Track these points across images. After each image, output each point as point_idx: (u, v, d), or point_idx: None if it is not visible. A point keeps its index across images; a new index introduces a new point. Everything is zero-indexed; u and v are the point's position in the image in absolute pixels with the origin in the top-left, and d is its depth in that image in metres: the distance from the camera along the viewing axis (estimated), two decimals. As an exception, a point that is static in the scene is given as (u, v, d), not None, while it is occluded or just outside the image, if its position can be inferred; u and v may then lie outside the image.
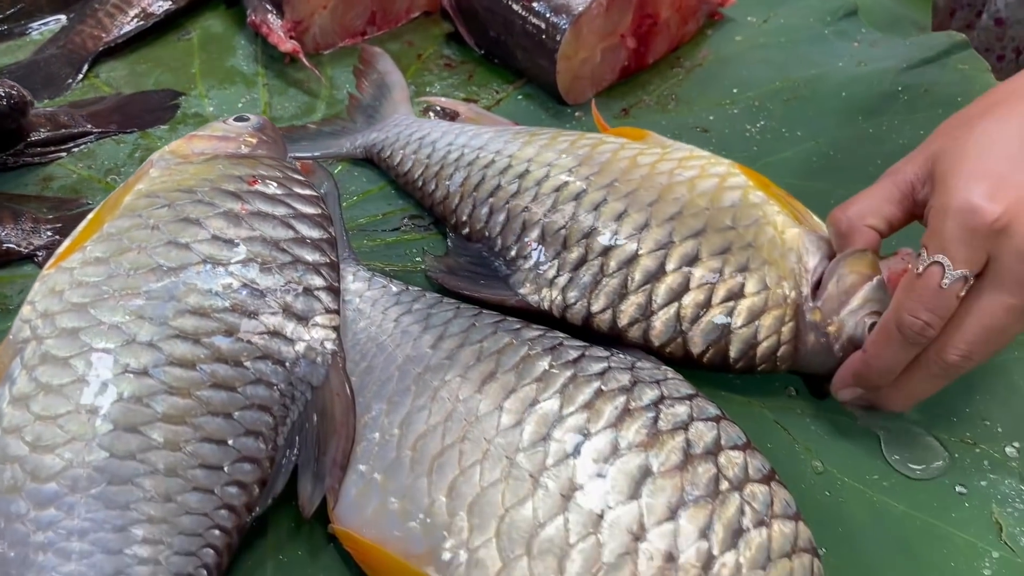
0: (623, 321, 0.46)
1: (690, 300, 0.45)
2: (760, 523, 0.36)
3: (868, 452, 0.45)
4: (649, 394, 0.41)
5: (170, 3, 0.70)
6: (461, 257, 0.51)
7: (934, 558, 0.41)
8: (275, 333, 0.43)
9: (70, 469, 0.37)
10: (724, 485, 0.37)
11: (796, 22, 0.73)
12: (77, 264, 0.45)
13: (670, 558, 0.35)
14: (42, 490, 0.37)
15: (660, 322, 0.46)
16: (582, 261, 0.47)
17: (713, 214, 0.47)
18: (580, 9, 0.60)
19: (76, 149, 0.60)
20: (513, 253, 0.49)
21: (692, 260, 0.46)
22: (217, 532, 0.38)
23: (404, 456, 0.41)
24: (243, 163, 0.50)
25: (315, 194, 0.50)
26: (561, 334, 0.45)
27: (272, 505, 0.40)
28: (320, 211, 0.49)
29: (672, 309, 0.45)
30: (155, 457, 0.38)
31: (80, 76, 0.66)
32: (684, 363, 0.46)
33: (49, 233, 0.55)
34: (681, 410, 0.41)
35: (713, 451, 0.38)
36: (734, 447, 0.39)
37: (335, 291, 0.46)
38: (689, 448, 0.38)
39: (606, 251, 0.47)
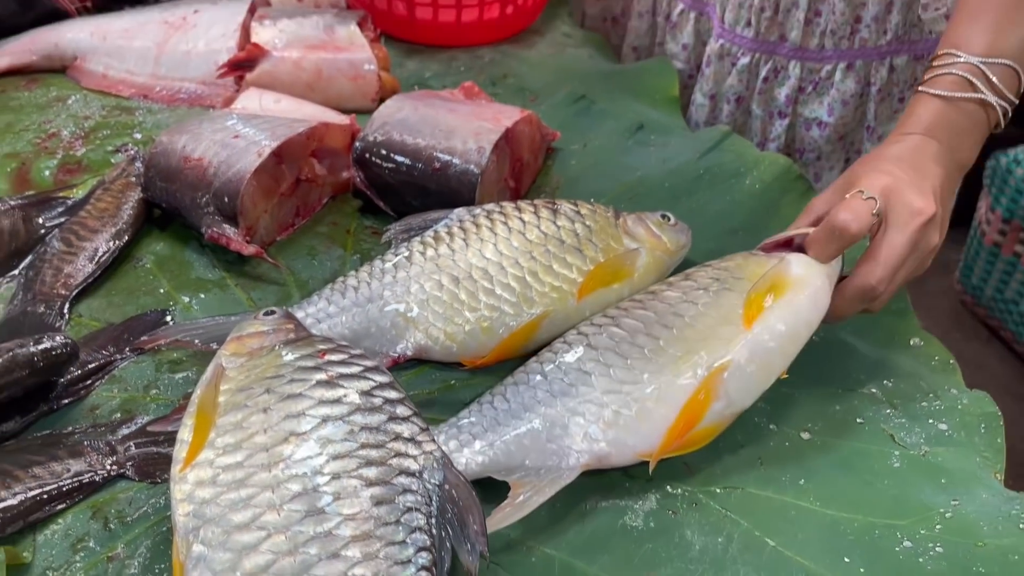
0: None
1: None
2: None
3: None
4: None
5: (116, 241, 0.79)
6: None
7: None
8: (401, 454, 0.56)
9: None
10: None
11: (606, 142, 0.98)
12: (213, 456, 0.55)
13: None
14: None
15: None
16: None
17: None
18: (483, 166, 0.80)
19: (104, 379, 0.68)
20: None
21: None
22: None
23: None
24: (301, 345, 0.62)
25: (360, 351, 0.63)
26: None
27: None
28: (374, 362, 0.62)
29: None
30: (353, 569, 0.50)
31: (66, 318, 0.73)
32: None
33: (131, 447, 0.63)
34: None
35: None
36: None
37: (418, 414, 0.59)
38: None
39: None
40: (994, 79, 0.70)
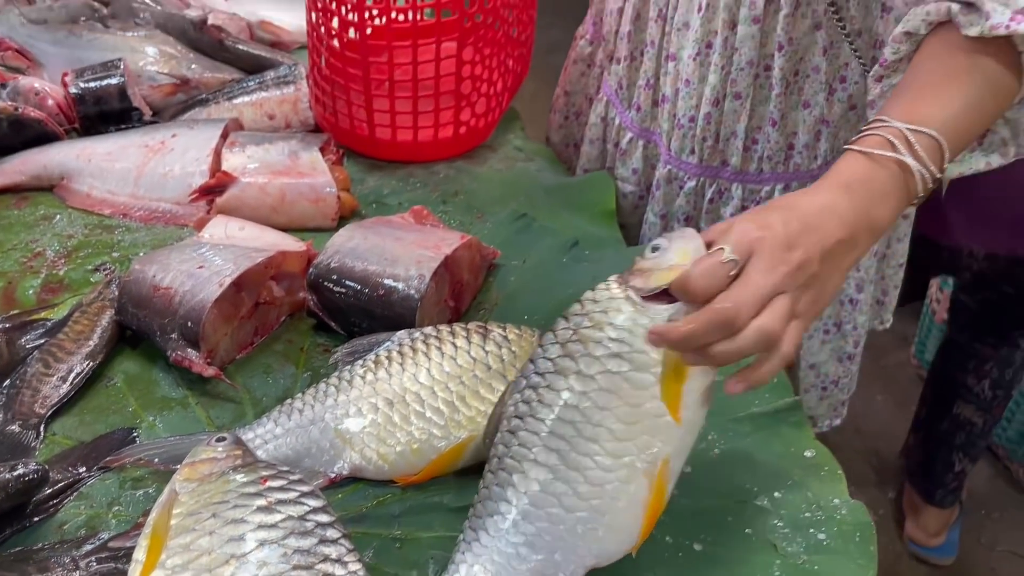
0: None
1: None
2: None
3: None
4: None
5: (89, 362, 0.88)
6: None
7: None
8: (328, 575, 0.64)
9: None
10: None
11: (543, 258, 1.07)
12: (163, 576, 0.63)
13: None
14: None
15: None
16: None
17: None
18: (422, 292, 0.89)
19: (72, 496, 0.76)
20: None
21: None
22: None
23: None
24: (247, 471, 0.70)
25: (299, 476, 0.71)
26: None
27: None
28: (310, 487, 0.70)
29: None
30: None
31: (41, 436, 0.81)
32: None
33: (93, 563, 0.70)
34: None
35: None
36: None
37: (347, 536, 0.67)
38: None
39: None
40: (916, 146, 0.73)
